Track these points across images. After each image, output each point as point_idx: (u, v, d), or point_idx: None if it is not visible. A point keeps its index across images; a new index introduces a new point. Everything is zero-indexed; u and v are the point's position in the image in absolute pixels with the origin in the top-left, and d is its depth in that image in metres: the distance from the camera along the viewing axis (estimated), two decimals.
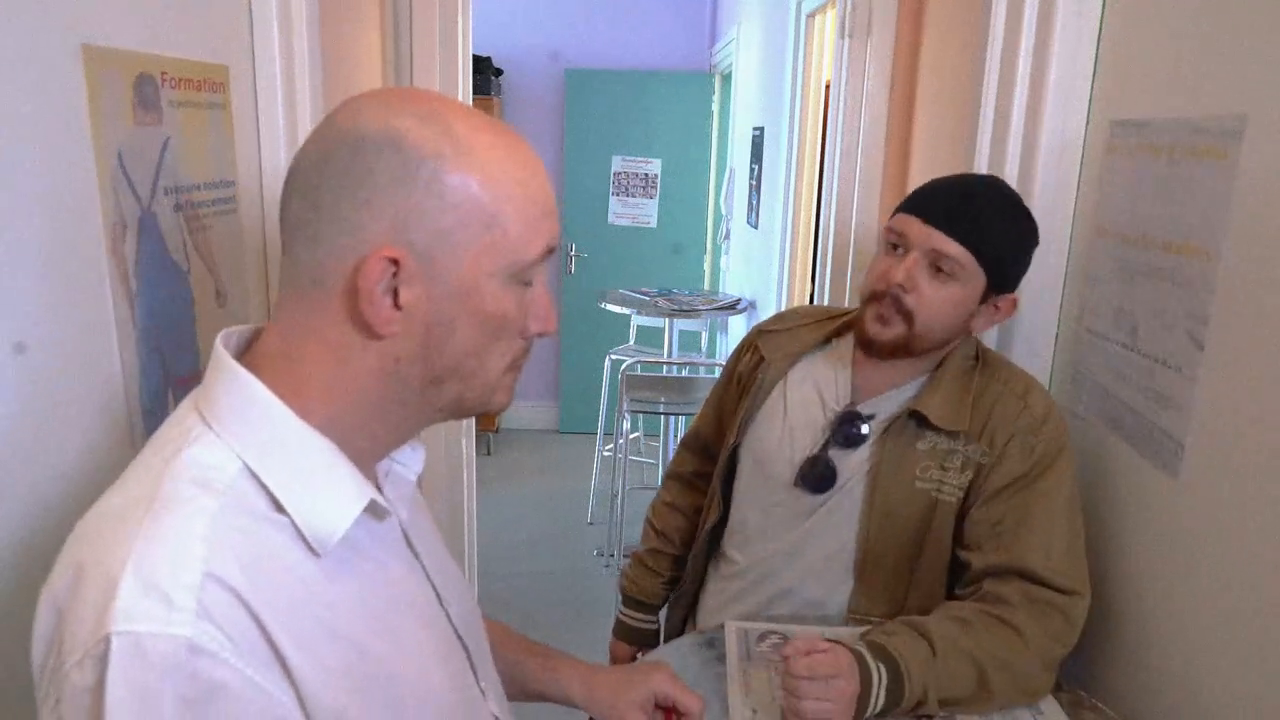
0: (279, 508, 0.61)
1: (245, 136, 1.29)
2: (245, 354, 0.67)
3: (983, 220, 1.09)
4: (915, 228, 1.10)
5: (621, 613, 1.49)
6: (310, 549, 0.62)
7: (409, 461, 0.77)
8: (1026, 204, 1.17)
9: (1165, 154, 1.06)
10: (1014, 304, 1.16)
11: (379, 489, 0.73)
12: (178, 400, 1.10)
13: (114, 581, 0.53)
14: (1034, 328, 1.34)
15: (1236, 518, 0.92)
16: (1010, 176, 1.34)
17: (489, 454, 4.84)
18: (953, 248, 1.08)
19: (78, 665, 0.53)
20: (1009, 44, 1.33)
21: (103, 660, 0.52)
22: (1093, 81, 1.25)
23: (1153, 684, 1.06)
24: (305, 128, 1.40)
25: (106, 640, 0.52)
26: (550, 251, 0.68)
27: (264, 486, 0.61)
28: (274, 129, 1.34)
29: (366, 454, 0.69)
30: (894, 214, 1.16)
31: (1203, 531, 0.97)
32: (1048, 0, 1.26)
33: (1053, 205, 1.30)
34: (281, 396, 0.63)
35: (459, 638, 0.78)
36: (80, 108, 0.90)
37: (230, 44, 1.26)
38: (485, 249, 0.64)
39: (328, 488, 0.63)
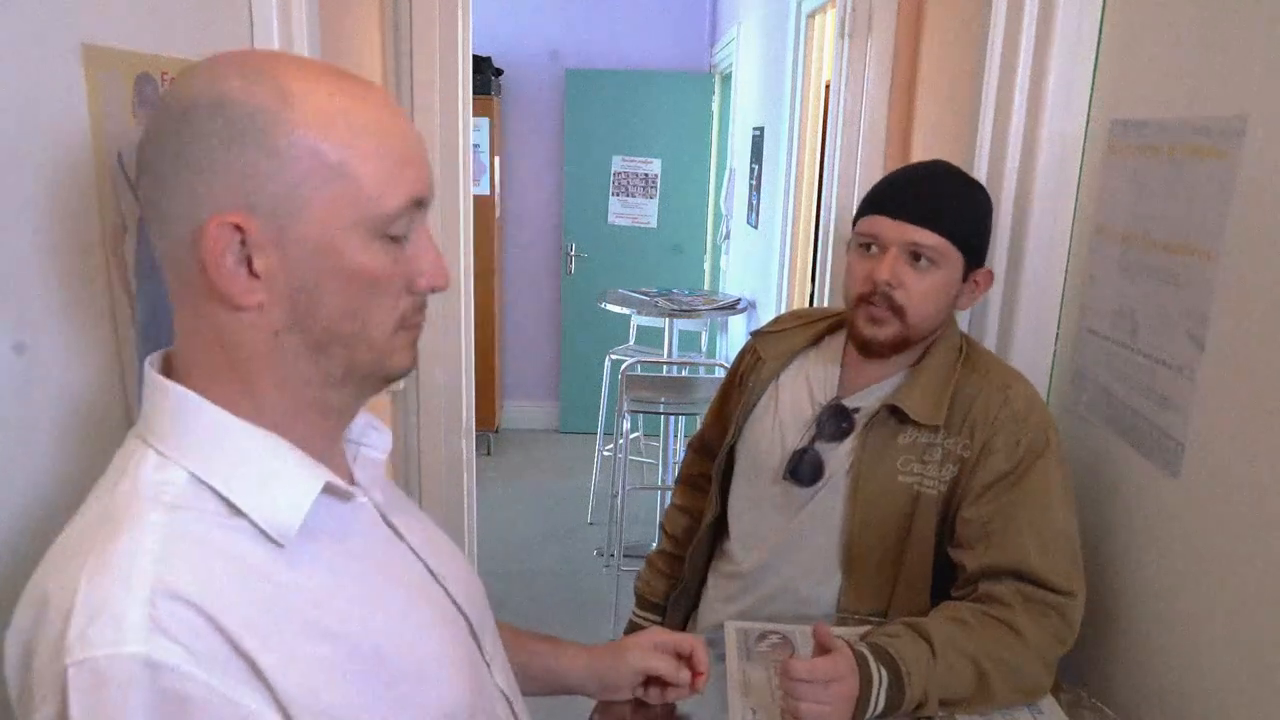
0: (234, 509, 0.60)
1: None
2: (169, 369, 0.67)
3: (947, 205, 1.12)
4: (886, 226, 1.13)
5: (634, 612, 1.52)
6: (274, 543, 0.61)
7: (376, 444, 0.78)
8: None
9: (1165, 154, 1.06)
10: (990, 276, 1.21)
11: (352, 475, 0.73)
12: None
13: (67, 612, 0.53)
14: (1034, 328, 1.34)
15: (1237, 517, 0.92)
16: (1010, 176, 1.34)
17: (489, 454, 4.84)
18: (928, 237, 1.11)
19: (43, 700, 0.52)
20: (1009, 44, 1.33)
21: (63, 693, 0.51)
22: (1093, 81, 1.25)
23: (1152, 684, 1.06)
24: None
25: (63, 672, 0.51)
26: (419, 204, 0.65)
27: (214, 491, 0.60)
28: None
29: (312, 438, 0.68)
30: (857, 218, 1.19)
31: (1203, 531, 0.97)
32: (1048, 0, 1.26)
33: (1053, 205, 1.30)
34: (212, 399, 0.63)
35: (460, 611, 0.77)
36: (80, 108, 0.90)
37: (230, 44, 1.25)
38: (334, 203, 0.61)
39: (277, 478, 0.62)
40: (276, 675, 0.56)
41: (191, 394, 0.63)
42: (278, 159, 0.59)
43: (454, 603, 0.77)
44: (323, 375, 0.66)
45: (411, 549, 0.75)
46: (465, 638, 0.77)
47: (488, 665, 0.79)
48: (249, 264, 0.60)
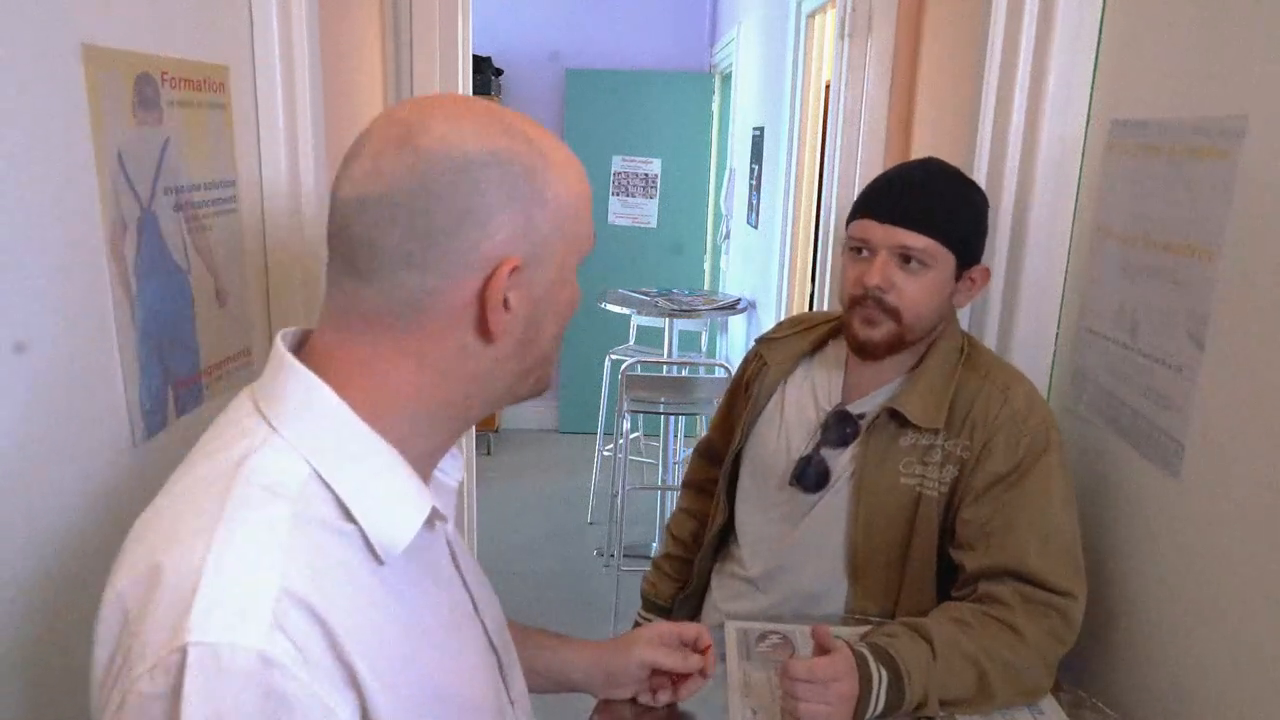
0: (348, 516, 0.60)
1: (245, 136, 1.29)
2: (300, 356, 0.66)
3: (936, 206, 1.12)
4: (875, 230, 1.13)
5: (639, 614, 1.52)
6: (374, 558, 0.61)
7: (450, 470, 0.77)
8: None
9: (1165, 154, 1.06)
10: (987, 273, 1.20)
11: None
12: (178, 400, 1.10)
13: (190, 590, 0.53)
14: (1034, 328, 1.34)
15: (1237, 517, 0.92)
16: (1010, 176, 1.34)
17: (489, 454, 4.84)
18: (917, 240, 1.11)
19: (148, 673, 0.52)
20: (1009, 44, 1.33)
21: (179, 670, 0.51)
22: (1093, 81, 1.25)
23: (1152, 684, 1.06)
24: (305, 127, 1.40)
25: (183, 650, 0.51)
26: None
27: (333, 493, 0.60)
28: (274, 129, 1.34)
29: (427, 458, 0.69)
30: (849, 220, 1.19)
31: (1203, 531, 0.97)
32: (1048, 0, 1.26)
33: (1053, 205, 1.30)
34: (349, 402, 0.63)
35: (493, 648, 0.78)
36: (80, 108, 0.90)
37: (230, 44, 1.26)
38: (572, 245, 0.68)
39: (395, 495, 0.63)
40: (371, 688, 0.57)
41: (326, 388, 0.62)
42: (544, 209, 0.65)
43: (489, 641, 0.77)
44: (509, 396, 0.72)
45: (464, 583, 0.76)
46: (495, 677, 0.77)
47: (511, 704, 0.79)
48: (505, 301, 0.64)
